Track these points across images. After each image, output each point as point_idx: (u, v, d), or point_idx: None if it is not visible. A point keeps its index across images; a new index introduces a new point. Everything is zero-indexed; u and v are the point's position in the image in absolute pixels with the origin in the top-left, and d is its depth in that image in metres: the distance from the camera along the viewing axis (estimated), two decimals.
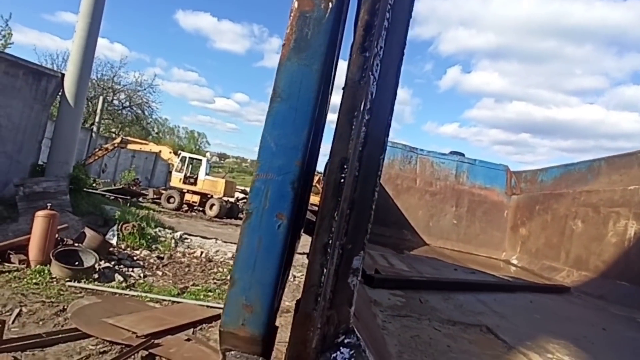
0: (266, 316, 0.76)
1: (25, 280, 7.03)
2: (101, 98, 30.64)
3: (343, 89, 0.82)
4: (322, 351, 0.75)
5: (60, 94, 11.43)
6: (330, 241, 0.77)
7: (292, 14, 0.78)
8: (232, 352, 0.79)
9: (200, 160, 24.62)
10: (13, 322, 5.49)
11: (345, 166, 0.78)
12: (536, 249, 6.46)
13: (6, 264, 7.52)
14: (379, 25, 0.77)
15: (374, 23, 0.81)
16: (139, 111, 38.04)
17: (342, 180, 0.79)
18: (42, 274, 7.38)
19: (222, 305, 4.19)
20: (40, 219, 7.94)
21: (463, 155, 8.02)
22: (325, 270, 0.75)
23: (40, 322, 5.64)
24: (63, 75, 11.39)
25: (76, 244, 8.72)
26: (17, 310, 5.81)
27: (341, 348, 0.78)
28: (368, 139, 0.80)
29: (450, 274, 3.98)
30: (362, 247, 0.81)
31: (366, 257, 4.04)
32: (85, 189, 14.20)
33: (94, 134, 27.32)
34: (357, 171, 0.79)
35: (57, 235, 8.41)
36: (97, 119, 29.16)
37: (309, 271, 0.78)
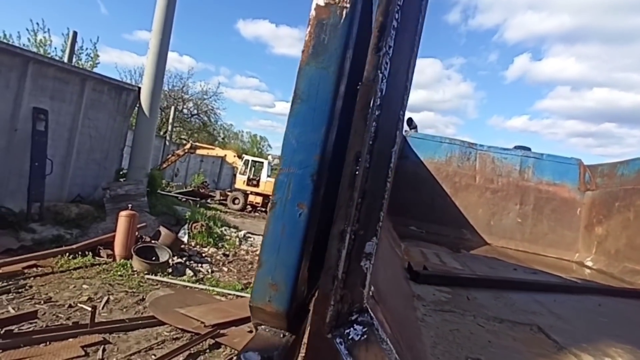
0: (289, 294, 0.86)
1: (112, 272, 7.96)
2: (172, 108, 33.34)
3: (358, 87, 0.89)
4: (336, 326, 0.83)
5: (137, 105, 12.69)
6: (345, 228, 0.84)
7: (310, 23, 0.87)
8: (262, 327, 0.90)
9: (262, 162, 25.67)
10: (102, 308, 6.26)
11: (359, 159, 0.85)
12: (616, 250, 5.85)
13: (97, 258, 8.56)
14: (389, 25, 0.83)
15: (387, 24, 0.88)
16: (206, 118, 40.70)
17: (357, 173, 0.86)
18: (125, 267, 8.30)
19: None
20: (123, 218, 8.93)
21: (529, 149, 7.51)
22: (340, 254, 0.83)
23: (124, 309, 6.36)
24: (139, 88, 12.64)
25: (153, 241, 9.65)
26: (105, 298, 6.62)
27: (355, 325, 0.85)
28: (379, 133, 0.86)
29: (507, 273, 3.78)
30: (374, 234, 0.88)
31: (417, 254, 3.99)
32: (160, 192, 15.60)
33: (167, 141, 29.75)
34: (367, 163, 0.86)
35: (137, 233, 9.39)
36: (169, 128, 31.79)
37: (327, 256, 0.87)
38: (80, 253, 8.38)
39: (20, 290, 6.42)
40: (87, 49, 26.80)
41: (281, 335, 0.89)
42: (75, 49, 20.33)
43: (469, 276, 2.97)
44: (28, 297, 6.22)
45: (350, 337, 0.84)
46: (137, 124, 13.12)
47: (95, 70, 23.87)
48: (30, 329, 5.19)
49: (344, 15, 0.84)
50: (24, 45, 23.51)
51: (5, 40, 22.59)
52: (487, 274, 3.32)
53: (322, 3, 0.86)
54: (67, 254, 8.14)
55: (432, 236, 6.44)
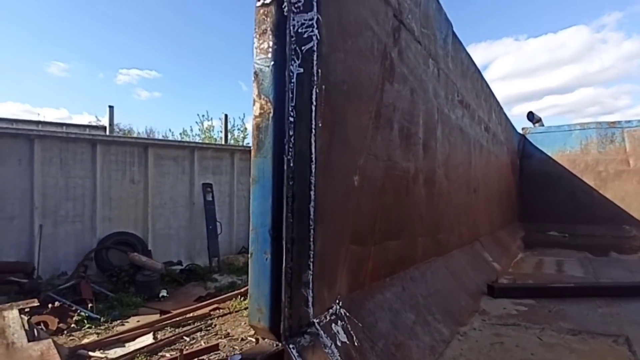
0: (270, 314, 1.22)
1: None
2: None
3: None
4: (290, 336, 1.13)
5: None
6: (285, 265, 1.17)
7: (252, 128, 1.28)
8: (264, 340, 1.26)
9: None
10: None
11: (286, 216, 1.20)
12: None
13: None
14: (287, 121, 1.19)
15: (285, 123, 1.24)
16: None
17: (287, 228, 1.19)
18: None
19: None
20: None
21: None
22: (282, 284, 1.16)
23: None
24: None
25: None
26: None
27: (304, 335, 1.14)
28: (295, 196, 1.20)
29: None
30: (307, 268, 1.18)
31: (530, 265, 3.66)
32: None
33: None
34: (291, 219, 1.18)
35: None
36: None
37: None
38: (248, 295, 10.06)
39: (208, 328, 8.14)
40: (237, 124, 32.69)
41: (274, 345, 1.25)
42: (228, 127, 25.12)
43: (562, 286, 2.62)
44: (213, 334, 7.84)
45: (300, 343, 1.14)
46: None
47: (246, 139, 29.14)
48: (217, 359, 6.56)
49: (270, 120, 1.23)
50: (196, 133, 30.51)
51: (185, 134, 29.90)
52: (617, 279, 2.78)
53: (257, 113, 1.27)
54: (239, 297, 9.89)
55: (579, 239, 5.48)
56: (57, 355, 6.09)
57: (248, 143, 33.48)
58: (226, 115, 23.66)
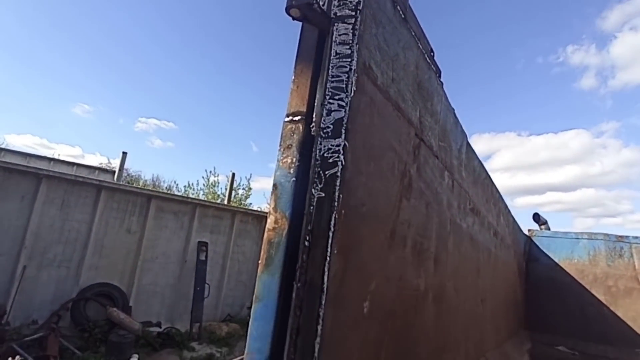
0: None
1: None
2: None
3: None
4: None
5: None
6: None
7: (263, 243, 1.22)
8: None
9: None
10: None
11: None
12: None
13: None
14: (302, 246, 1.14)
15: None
16: None
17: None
18: None
19: None
20: None
21: None
22: None
23: None
24: None
25: None
26: None
27: None
28: (300, 331, 1.10)
29: None
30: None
31: None
32: None
33: None
34: (293, 356, 1.07)
35: None
36: None
37: None
38: None
39: None
40: (242, 184, 33.02)
41: None
42: (234, 185, 25.36)
43: None
44: None
45: None
46: None
47: (250, 199, 29.16)
48: None
49: (283, 236, 1.18)
50: (200, 187, 30.70)
51: (189, 187, 30.07)
52: None
53: (270, 227, 1.22)
54: None
55: (591, 359, 5.06)
56: None
57: (250, 203, 33.41)
58: (233, 174, 24.02)
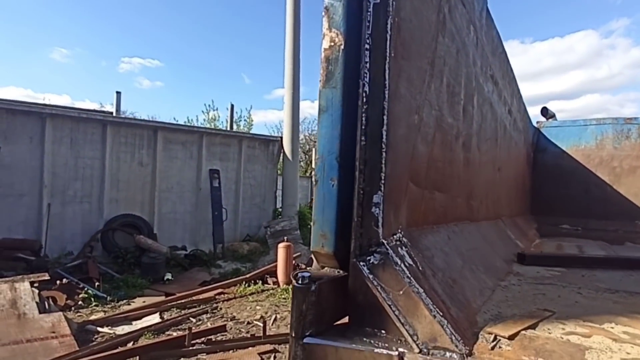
0: (334, 240, 1.24)
1: (277, 295, 9.32)
2: (314, 149, 37.04)
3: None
4: (360, 255, 1.16)
5: (281, 153, 14.85)
6: (357, 187, 1.19)
7: (321, 59, 1.31)
8: (325, 268, 1.28)
9: None
10: (272, 324, 7.43)
11: (359, 139, 1.22)
12: None
13: (265, 285, 10.17)
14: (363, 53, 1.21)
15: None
16: None
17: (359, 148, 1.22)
18: (287, 291, 9.59)
19: None
20: (281, 249, 10.43)
21: None
22: (354, 205, 1.18)
23: (288, 325, 7.38)
24: (281, 138, 14.81)
25: (307, 268, 10.87)
26: (273, 316, 7.83)
27: (374, 254, 1.16)
28: (369, 120, 1.22)
29: None
30: (379, 189, 1.20)
31: (551, 246, 3.66)
32: (309, 225, 17.39)
33: (313, 180, 32.95)
34: (364, 141, 1.21)
35: (293, 262, 10.77)
36: (314, 168, 35.26)
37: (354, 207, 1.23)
38: (253, 281, 10.11)
39: (214, 311, 8.18)
40: (244, 116, 32.55)
41: (335, 272, 1.27)
42: (234, 118, 25.05)
43: (593, 256, 2.64)
44: (219, 316, 7.88)
45: (370, 262, 1.17)
46: (283, 168, 15.27)
47: (251, 131, 29.08)
48: (222, 339, 6.60)
49: (340, 52, 1.26)
50: (201, 122, 30.44)
51: (189, 123, 29.85)
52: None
53: (327, 46, 1.30)
54: (244, 283, 9.92)
55: (593, 232, 5.50)
56: (67, 327, 6.14)
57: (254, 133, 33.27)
58: (232, 105, 23.63)
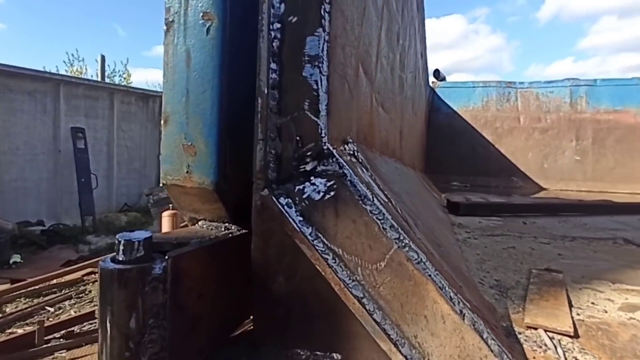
0: (216, 157, 0.55)
1: None
2: None
3: None
4: (278, 181, 0.51)
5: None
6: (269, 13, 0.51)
7: None
8: (200, 222, 0.61)
9: None
10: None
11: None
12: None
13: None
14: None
15: None
16: None
17: None
18: None
19: None
20: (165, 218, 9.15)
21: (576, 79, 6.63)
22: (263, 58, 0.51)
23: None
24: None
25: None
26: None
27: (311, 178, 0.51)
28: None
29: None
30: (319, 24, 0.53)
31: (460, 198, 3.52)
32: None
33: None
34: None
35: None
36: None
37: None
38: None
39: (80, 295, 6.74)
40: (119, 70, 27.94)
41: (220, 229, 0.59)
42: (106, 72, 21.17)
43: (526, 203, 2.53)
44: (87, 301, 6.51)
45: (305, 195, 0.51)
46: None
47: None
48: (89, 330, 5.38)
49: None
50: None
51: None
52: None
53: None
54: None
55: (479, 189, 5.86)
56: None
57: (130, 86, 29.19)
58: (103, 57, 19.88)
